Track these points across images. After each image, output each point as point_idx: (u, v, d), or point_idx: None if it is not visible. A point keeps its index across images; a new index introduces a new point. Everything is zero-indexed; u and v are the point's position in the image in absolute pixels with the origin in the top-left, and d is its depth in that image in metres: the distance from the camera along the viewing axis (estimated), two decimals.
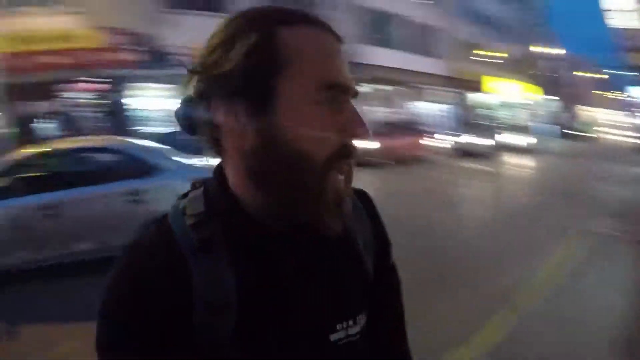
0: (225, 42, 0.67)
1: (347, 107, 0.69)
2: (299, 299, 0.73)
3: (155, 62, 16.57)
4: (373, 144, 14.57)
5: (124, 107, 16.81)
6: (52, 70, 15.15)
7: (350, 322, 0.78)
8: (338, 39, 0.72)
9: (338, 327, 0.76)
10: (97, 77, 16.28)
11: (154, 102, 17.71)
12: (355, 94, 0.71)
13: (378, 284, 0.86)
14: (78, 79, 15.92)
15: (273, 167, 0.67)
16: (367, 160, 14.16)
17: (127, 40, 16.23)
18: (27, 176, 5.79)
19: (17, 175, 5.74)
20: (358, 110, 0.71)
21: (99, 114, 16.68)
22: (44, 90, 15.31)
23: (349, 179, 0.72)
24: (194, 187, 0.77)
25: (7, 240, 5.37)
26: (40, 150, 6.20)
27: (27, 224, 5.45)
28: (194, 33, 14.88)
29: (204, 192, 0.75)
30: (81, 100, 16.33)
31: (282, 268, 0.72)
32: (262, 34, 0.66)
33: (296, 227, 0.72)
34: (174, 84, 17.67)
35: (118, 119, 16.31)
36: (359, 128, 0.69)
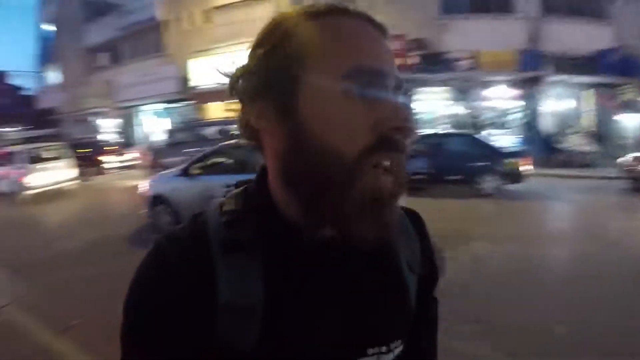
0: (256, 43, 0.66)
1: (384, 96, 0.61)
2: (328, 314, 0.66)
3: (433, 66, 17.07)
4: None
5: None
6: None
7: (384, 349, 0.70)
8: (376, 26, 0.66)
9: (369, 351, 0.69)
10: None
11: (432, 106, 18.26)
12: (399, 82, 0.64)
13: (418, 313, 0.79)
14: None
15: (301, 166, 0.62)
16: None
17: (405, 46, 16.90)
18: (220, 161, 7.75)
19: (213, 161, 7.77)
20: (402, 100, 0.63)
21: None
22: None
23: (397, 177, 0.62)
24: (237, 186, 0.75)
25: (199, 206, 7.22)
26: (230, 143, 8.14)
27: (214, 196, 7.17)
28: (475, 37, 14.90)
29: (244, 191, 0.73)
30: None
31: (314, 278, 0.66)
32: (285, 30, 0.63)
33: (332, 235, 0.65)
34: (448, 87, 18.06)
35: None
36: (398, 117, 0.61)
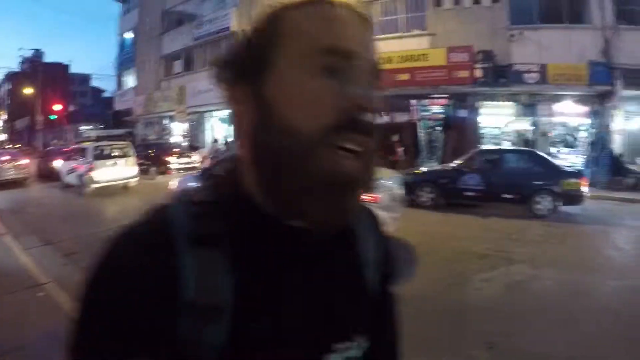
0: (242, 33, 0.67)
1: (350, 77, 0.60)
2: (297, 311, 0.64)
3: (499, 79, 16.60)
4: None
5: (462, 122, 17.22)
6: (397, 87, 16.74)
7: (349, 344, 0.69)
8: (358, 14, 0.64)
9: (335, 347, 0.67)
10: (439, 94, 17.20)
11: (496, 120, 17.72)
12: (370, 66, 0.63)
13: (380, 308, 0.78)
14: (422, 94, 17.13)
15: (264, 146, 0.61)
16: None
17: (470, 58, 16.56)
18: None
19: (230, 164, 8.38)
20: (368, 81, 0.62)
21: (439, 128, 17.88)
22: (390, 105, 16.99)
23: (362, 161, 0.60)
24: (206, 177, 0.71)
25: None
26: None
27: None
28: (545, 49, 14.30)
29: (214, 182, 0.69)
30: (424, 115, 17.72)
31: (283, 272, 0.64)
32: (265, 17, 0.64)
33: (299, 226, 0.62)
34: (513, 101, 17.43)
35: (456, 134, 17.13)
36: (363, 98, 0.60)
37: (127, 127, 31.95)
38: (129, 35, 34.68)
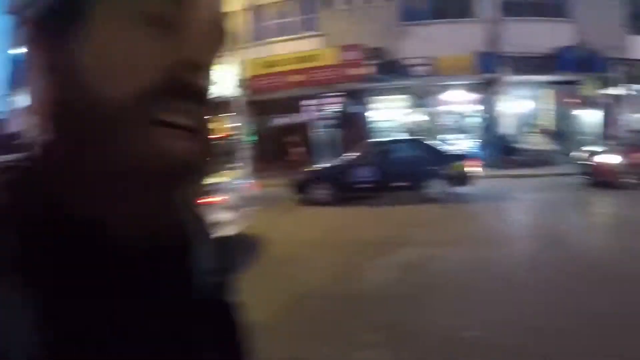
0: None
1: (182, 27, 0.44)
2: (128, 346, 0.48)
3: (390, 74, 17.11)
4: (613, 159, 11.84)
5: (357, 118, 17.61)
6: (292, 89, 17.11)
7: None
8: None
9: None
10: (333, 92, 17.47)
11: (389, 114, 18.30)
12: (211, 15, 0.47)
13: (219, 319, 0.64)
14: (317, 94, 17.29)
15: (67, 125, 0.43)
16: (605, 179, 11.20)
17: (361, 56, 16.97)
18: None
19: None
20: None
21: (334, 125, 18.16)
22: (287, 106, 17.44)
23: (194, 139, 0.44)
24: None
25: None
26: None
27: None
28: (434, 43, 14.97)
29: (11, 180, 0.48)
30: (320, 113, 17.97)
31: (104, 298, 0.47)
32: None
33: (123, 234, 0.46)
34: (406, 94, 18.07)
35: (351, 130, 17.45)
36: (190, 54, 0.44)
37: (20, 151, 30.02)
38: (22, 50, 32.65)
